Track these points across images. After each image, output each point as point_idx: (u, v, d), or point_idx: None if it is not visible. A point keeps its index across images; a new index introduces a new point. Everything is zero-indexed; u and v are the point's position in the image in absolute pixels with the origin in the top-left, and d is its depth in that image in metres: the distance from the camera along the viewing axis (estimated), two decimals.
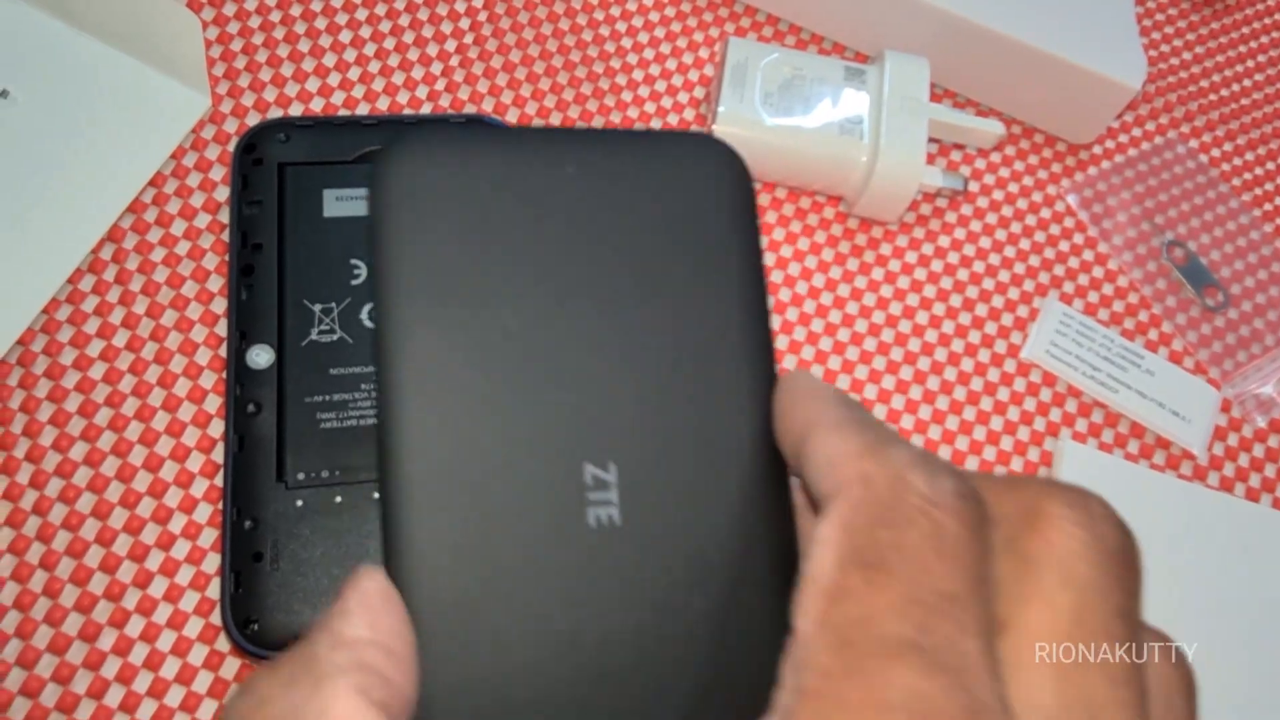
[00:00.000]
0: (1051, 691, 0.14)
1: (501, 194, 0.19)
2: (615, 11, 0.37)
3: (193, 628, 0.27)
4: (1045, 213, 0.37)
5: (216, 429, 0.29)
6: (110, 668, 0.26)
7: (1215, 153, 0.40)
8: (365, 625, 0.16)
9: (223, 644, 0.27)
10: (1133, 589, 0.15)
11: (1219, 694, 0.30)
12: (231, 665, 0.27)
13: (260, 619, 0.26)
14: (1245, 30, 0.43)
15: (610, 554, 0.18)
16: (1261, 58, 0.42)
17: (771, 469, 0.18)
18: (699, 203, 0.20)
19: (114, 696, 0.26)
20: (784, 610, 0.16)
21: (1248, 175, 0.39)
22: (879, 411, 0.33)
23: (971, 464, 0.33)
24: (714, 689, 0.18)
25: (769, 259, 0.34)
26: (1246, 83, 0.41)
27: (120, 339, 0.29)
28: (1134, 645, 0.14)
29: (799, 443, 0.17)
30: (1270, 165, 0.40)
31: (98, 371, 0.29)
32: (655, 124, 0.36)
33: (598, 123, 0.36)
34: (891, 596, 0.14)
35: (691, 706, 0.17)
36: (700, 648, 0.18)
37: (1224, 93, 0.41)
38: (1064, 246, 0.37)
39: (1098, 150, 0.39)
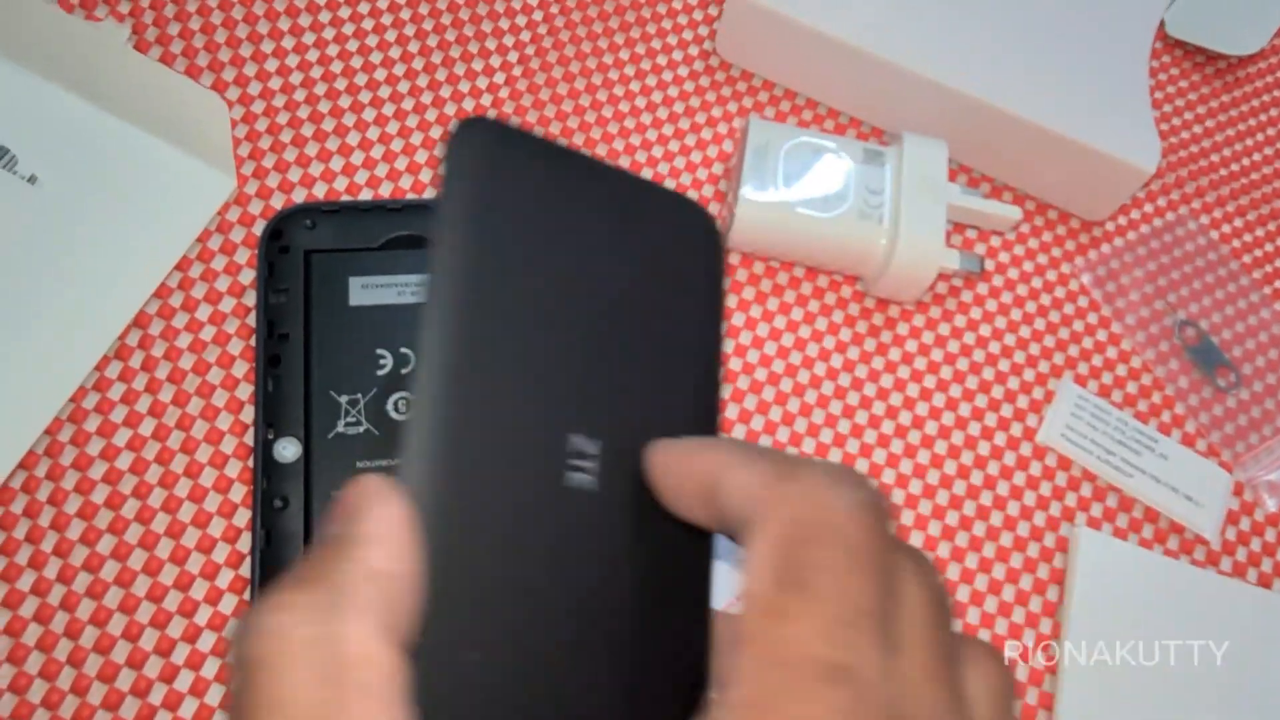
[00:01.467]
0: (911, 705, 0.16)
1: (542, 200, 0.22)
2: (635, 87, 0.38)
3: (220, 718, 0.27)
4: (1059, 291, 0.37)
5: (242, 518, 0.29)
6: None
7: (1225, 229, 0.40)
8: (390, 556, 0.17)
9: None
10: (951, 627, 0.18)
11: None
12: None
13: None
14: (1255, 103, 0.43)
15: (581, 513, 0.20)
16: (1271, 130, 0.43)
17: None
18: (688, 253, 0.24)
19: None
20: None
21: (1258, 252, 0.40)
22: (898, 496, 0.33)
23: (989, 551, 0.33)
24: (658, 646, 0.20)
25: (789, 339, 0.35)
26: (1257, 156, 0.42)
27: (146, 428, 0.30)
28: (959, 671, 0.17)
29: (711, 489, 0.19)
30: (1269, 246, 0.40)
31: (124, 461, 0.29)
32: None
33: None
34: (818, 621, 0.16)
35: (636, 655, 0.20)
36: (649, 610, 0.21)
37: (1234, 167, 0.41)
38: (1078, 326, 0.37)
39: (1110, 227, 0.39)
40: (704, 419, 0.22)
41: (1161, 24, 0.43)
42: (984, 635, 0.32)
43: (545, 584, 0.20)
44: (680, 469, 0.20)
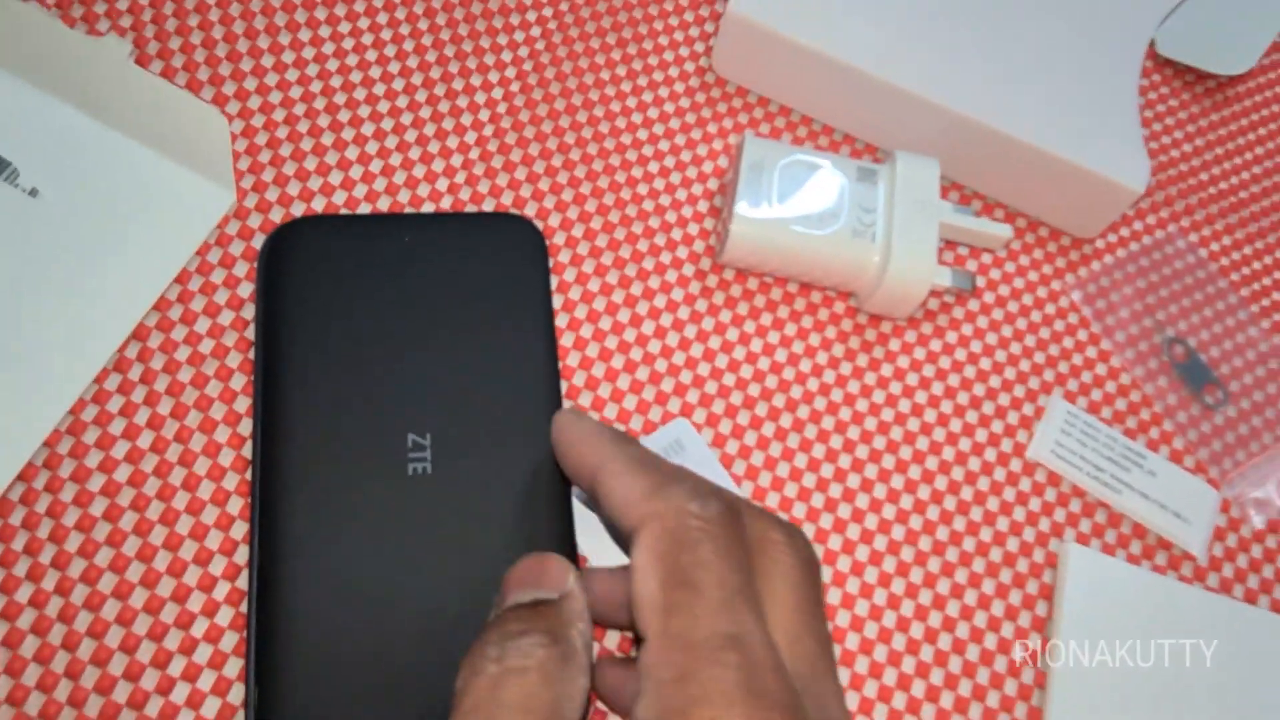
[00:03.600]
0: (784, 655, 0.21)
1: (351, 263, 0.30)
2: (632, 103, 0.38)
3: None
4: (1050, 308, 0.38)
5: (239, 530, 0.29)
6: None
7: (1215, 246, 0.41)
8: (589, 636, 0.23)
9: None
10: (820, 581, 0.23)
11: None
12: None
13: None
14: (1244, 122, 0.44)
15: (422, 494, 0.28)
16: (1260, 150, 0.43)
17: (546, 454, 0.29)
18: (507, 263, 0.31)
19: None
20: (557, 536, 0.28)
21: (1246, 270, 0.40)
22: (889, 512, 0.33)
23: (978, 566, 0.33)
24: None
25: (781, 354, 0.35)
26: (1245, 175, 0.42)
27: (145, 440, 0.30)
28: (825, 618, 0.22)
29: (590, 479, 0.24)
30: (1269, 259, 0.41)
31: (123, 474, 0.29)
32: (670, 214, 0.37)
33: (613, 213, 0.36)
34: (706, 607, 0.20)
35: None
36: (489, 569, 0.26)
37: (1223, 186, 0.42)
38: (1068, 343, 0.37)
39: (1100, 245, 0.39)
40: (533, 392, 0.30)
41: (1152, 43, 0.44)
42: (973, 650, 0.32)
43: (402, 555, 0.27)
44: (571, 453, 0.25)
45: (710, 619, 0.20)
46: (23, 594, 0.28)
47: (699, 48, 0.40)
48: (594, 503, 0.27)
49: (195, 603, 0.28)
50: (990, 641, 0.32)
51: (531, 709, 0.20)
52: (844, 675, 0.31)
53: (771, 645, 0.20)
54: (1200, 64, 0.43)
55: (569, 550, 0.28)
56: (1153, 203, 0.41)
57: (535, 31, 0.38)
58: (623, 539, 0.24)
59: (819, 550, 0.33)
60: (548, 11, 0.39)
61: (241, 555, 0.29)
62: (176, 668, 0.28)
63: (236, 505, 0.30)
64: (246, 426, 0.30)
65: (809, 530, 0.33)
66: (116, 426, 0.30)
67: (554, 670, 0.21)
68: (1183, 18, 0.44)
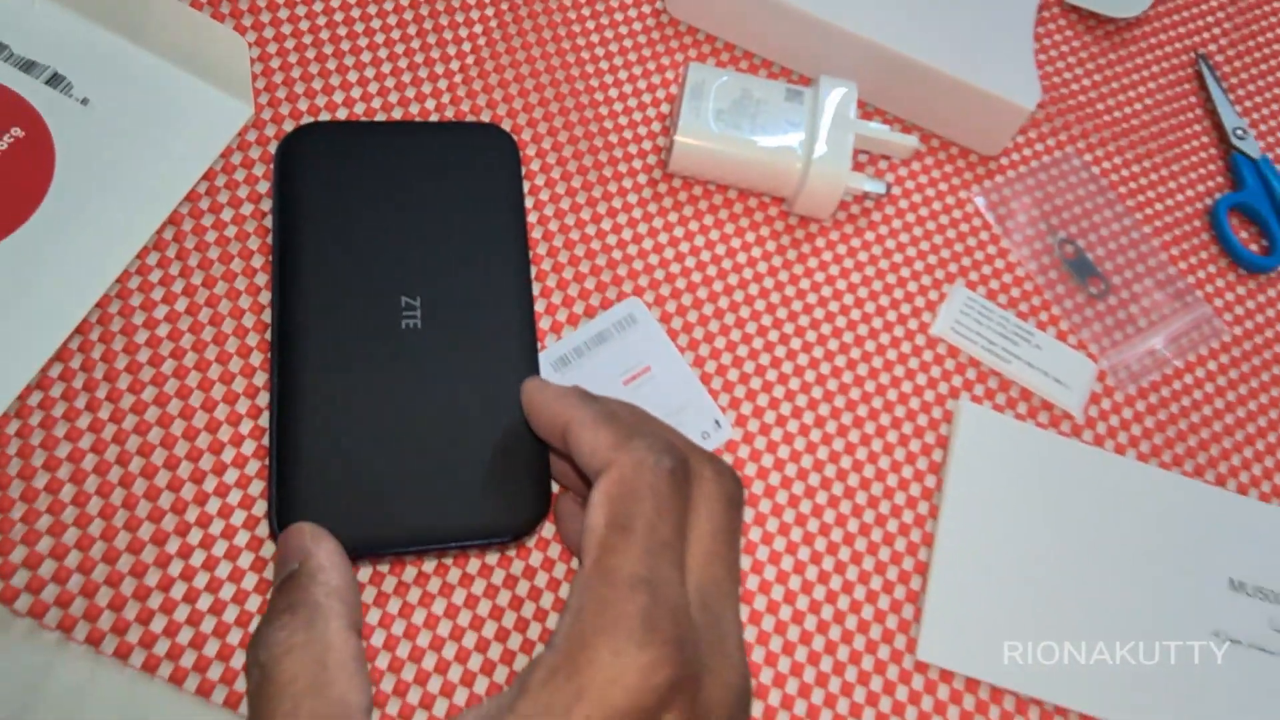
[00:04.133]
0: (696, 576, 0.26)
1: (354, 162, 0.36)
2: (595, 39, 0.44)
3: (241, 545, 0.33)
4: (957, 214, 0.44)
5: (260, 379, 0.35)
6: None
7: (1106, 165, 0.46)
8: (339, 575, 0.27)
9: (263, 530, 0.33)
10: (739, 516, 0.28)
11: (1089, 613, 0.37)
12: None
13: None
14: (1137, 60, 0.50)
15: (412, 343, 0.34)
16: (1151, 83, 0.49)
17: (516, 311, 0.35)
18: (486, 164, 0.37)
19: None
20: (518, 372, 0.34)
21: (1132, 185, 0.46)
22: (810, 375, 0.39)
23: (885, 420, 0.39)
24: (484, 454, 0.33)
25: (721, 249, 0.41)
26: (1137, 105, 0.48)
27: (180, 305, 0.36)
28: (738, 547, 0.27)
29: (563, 432, 0.28)
30: (1153, 176, 0.47)
31: (163, 331, 0.35)
32: (627, 131, 0.42)
33: (578, 128, 0.42)
34: (635, 550, 0.24)
35: (471, 467, 0.32)
36: (476, 417, 0.33)
37: (1116, 114, 0.48)
38: (971, 242, 0.43)
39: (1004, 162, 0.45)
40: (505, 266, 0.36)
41: None
42: (876, 488, 0.38)
43: (396, 391, 0.33)
44: (542, 412, 0.30)
45: (634, 563, 0.24)
46: (83, 421, 0.34)
47: None
48: (564, 453, 0.30)
49: (224, 433, 0.34)
50: (892, 480, 0.38)
51: (297, 676, 0.24)
52: (763, 505, 0.37)
53: (680, 592, 0.24)
54: (1099, 9, 0.49)
55: (530, 369, 0.35)
56: (1052, 127, 0.47)
57: None
58: (588, 482, 0.28)
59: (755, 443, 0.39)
60: None
61: (263, 399, 0.35)
62: (210, 484, 0.34)
63: (258, 358, 0.35)
64: (265, 297, 0.36)
65: (741, 390, 0.39)
66: (157, 294, 0.36)
67: (301, 640, 0.25)
68: None
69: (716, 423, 0.38)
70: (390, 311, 0.34)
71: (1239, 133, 0.48)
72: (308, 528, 0.29)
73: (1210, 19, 0.52)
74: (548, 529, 0.35)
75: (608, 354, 0.38)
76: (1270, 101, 0.50)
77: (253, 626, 0.32)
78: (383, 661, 0.32)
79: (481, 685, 0.33)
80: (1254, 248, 0.46)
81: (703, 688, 0.24)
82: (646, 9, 0.45)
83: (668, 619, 0.24)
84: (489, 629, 0.33)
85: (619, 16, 0.45)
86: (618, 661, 0.23)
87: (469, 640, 0.33)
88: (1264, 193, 0.47)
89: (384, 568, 0.34)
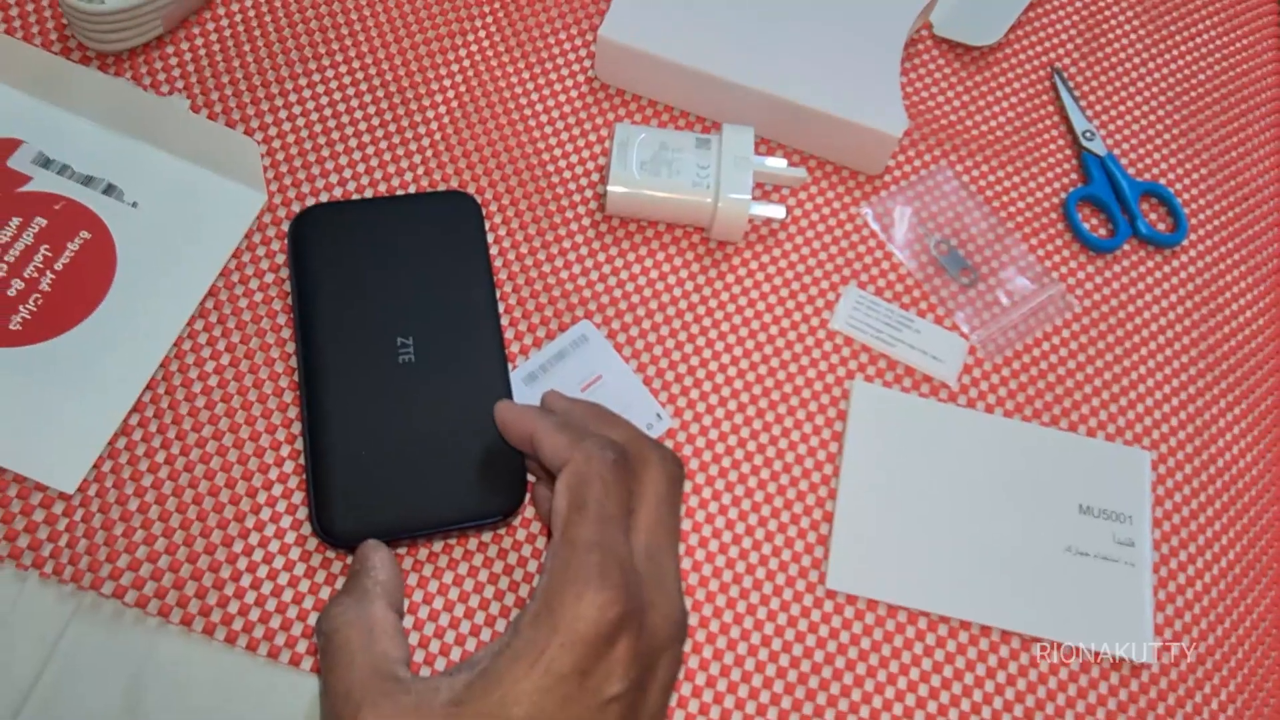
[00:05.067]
0: (644, 536, 0.34)
1: (352, 233, 0.46)
2: (539, 107, 0.53)
3: (289, 533, 0.42)
4: (849, 226, 0.53)
5: (293, 413, 0.45)
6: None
7: (975, 173, 0.56)
8: (386, 572, 0.37)
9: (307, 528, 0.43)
10: (679, 489, 0.36)
11: (966, 540, 0.46)
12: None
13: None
14: (1000, 78, 0.59)
15: (410, 376, 0.43)
16: (1012, 98, 0.58)
17: (490, 340, 0.45)
18: (457, 225, 0.47)
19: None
20: (495, 394, 0.44)
21: (996, 187, 0.55)
22: (732, 372, 0.49)
23: (795, 401, 0.48)
24: (482, 450, 0.43)
25: (654, 273, 0.50)
26: (1000, 118, 0.58)
27: (225, 360, 0.45)
28: (679, 512, 0.36)
29: (529, 441, 0.37)
30: (1015, 179, 0.56)
31: (213, 382, 0.45)
32: (571, 183, 0.52)
33: (529, 185, 0.51)
34: (589, 523, 0.32)
35: (468, 455, 0.42)
36: (464, 428, 0.43)
37: (982, 128, 0.57)
38: (861, 249, 0.53)
39: (888, 179, 0.55)
40: (478, 308, 0.45)
41: (930, 25, 0.59)
42: (790, 455, 0.47)
43: (400, 412, 0.43)
44: (512, 426, 0.39)
45: (589, 532, 0.32)
46: (162, 455, 0.43)
47: (587, 63, 0.55)
48: (533, 456, 0.38)
49: (269, 456, 0.44)
50: (802, 449, 0.47)
51: (350, 640, 0.33)
52: (699, 478, 0.46)
53: (626, 550, 0.32)
54: (962, 39, 0.58)
55: (503, 392, 0.44)
56: (927, 145, 0.56)
57: (466, 63, 0.54)
58: (553, 475, 0.36)
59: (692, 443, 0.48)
60: (474, 48, 0.54)
61: (296, 427, 0.44)
62: (262, 497, 0.43)
63: (290, 395, 0.45)
64: (291, 346, 0.46)
65: (677, 387, 0.48)
66: (205, 353, 0.45)
67: (354, 615, 0.34)
68: (951, 4, 0.59)
69: (658, 415, 0.47)
70: (389, 350, 0.44)
71: (1088, 135, 0.57)
72: (371, 542, 0.38)
73: (1064, 36, 0.61)
74: (529, 516, 0.45)
75: (567, 368, 0.48)
76: (1116, 105, 0.59)
77: (305, 603, 0.41)
78: (408, 623, 0.42)
79: (486, 635, 0.42)
80: (1101, 233, 0.55)
81: (647, 619, 0.32)
82: (580, 77, 0.55)
83: (616, 570, 0.31)
84: (488, 591, 0.43)
85: (558, 86, 0.54)
86: (580, 603, 0.31)
87: (474, 601, 0.43)
88: (1109, 185, 0.56)
89: (402, 550, 0.43)
